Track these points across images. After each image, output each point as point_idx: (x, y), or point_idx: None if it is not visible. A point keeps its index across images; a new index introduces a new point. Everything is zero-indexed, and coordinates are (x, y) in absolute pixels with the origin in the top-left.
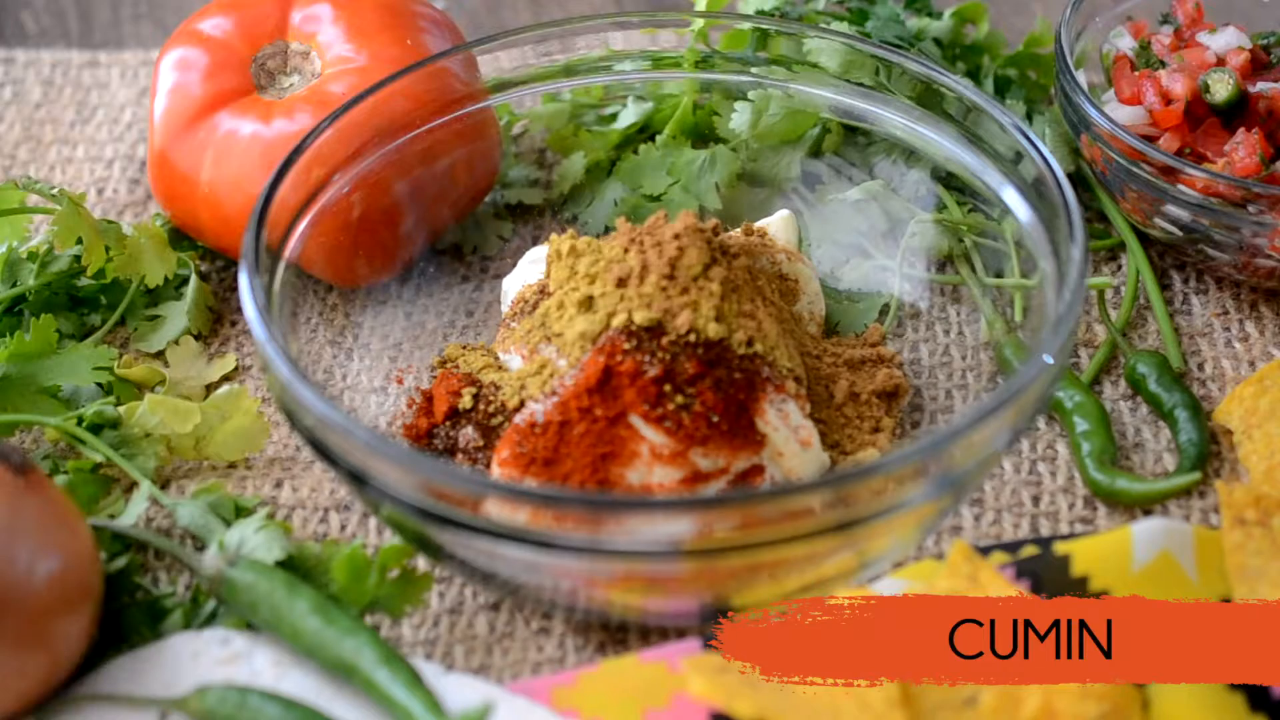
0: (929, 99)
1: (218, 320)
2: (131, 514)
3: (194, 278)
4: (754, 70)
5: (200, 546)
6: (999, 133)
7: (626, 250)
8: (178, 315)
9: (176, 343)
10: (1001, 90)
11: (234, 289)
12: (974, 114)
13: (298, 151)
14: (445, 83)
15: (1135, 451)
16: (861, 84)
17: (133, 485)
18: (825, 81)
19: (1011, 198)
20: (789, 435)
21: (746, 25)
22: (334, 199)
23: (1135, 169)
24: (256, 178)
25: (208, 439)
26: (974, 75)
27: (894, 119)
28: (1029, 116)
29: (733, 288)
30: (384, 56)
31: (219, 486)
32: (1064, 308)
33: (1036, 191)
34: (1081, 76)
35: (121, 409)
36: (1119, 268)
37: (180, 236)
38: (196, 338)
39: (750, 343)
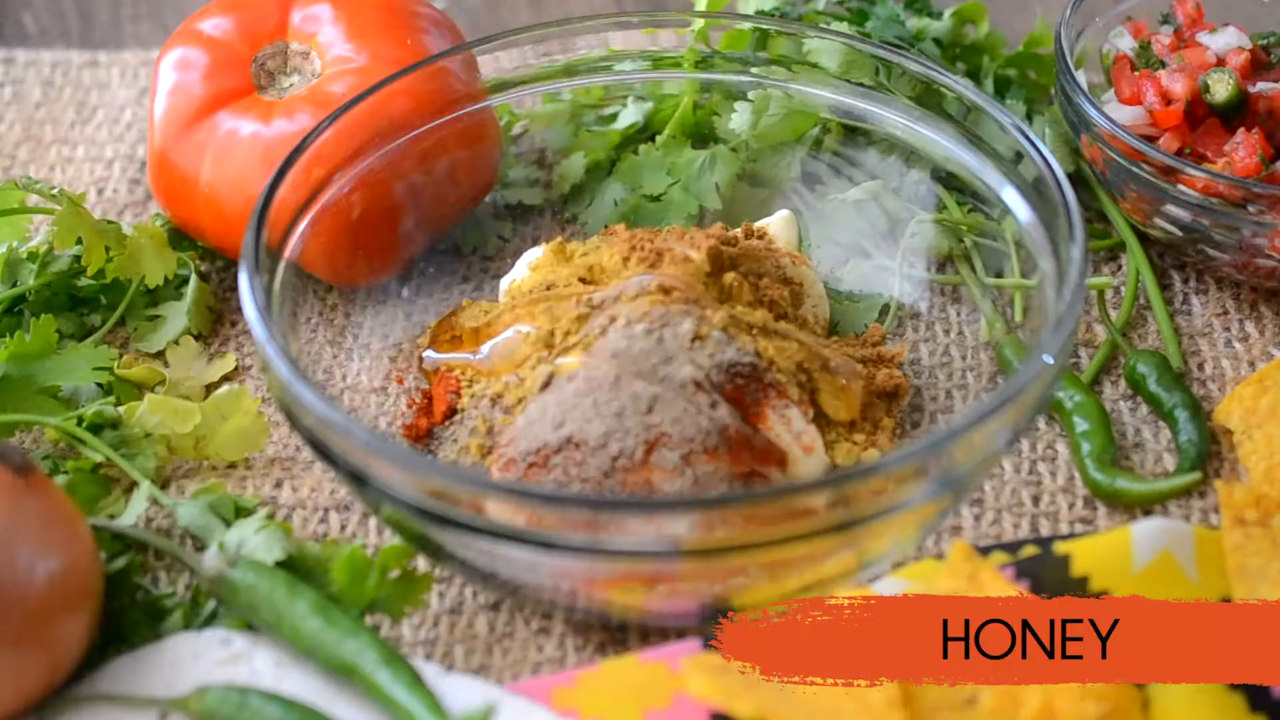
0: (929, 99)
1: (218, 320)
2: (131, 514)
3: (194, 278)
4: (754, 70)
5: (200, 547)
6: (999, 133)
7: (626, 259)
8: (178, 315)
9: (176, 343)
10: (1001, 90)
11: (234, 289)
12: (974, 114)
13: (298, 151)
14: (445, 83)
15: (1135, 451)
16: (861, 84)
17: (133, 485)
18: (825, 81)
19: (1011, 198)
20: (792, 441)
21: (746, 25)
22: (334, 199)
23: (1135, 169)
24: (256, 178)
25: (208, 439)
26: (974, 75)
27: (894, 119)
28: (1029, 116)
29: (735, 295)
30: (384, 56)
31: (219, 487)
32: (1064, 307)
33: (1036, 191)
34: (1081, 77)
35: (121, 409)
36: (1119, 268)
37: (180, 236)
38: (196, 338)
39: (754, 351)
